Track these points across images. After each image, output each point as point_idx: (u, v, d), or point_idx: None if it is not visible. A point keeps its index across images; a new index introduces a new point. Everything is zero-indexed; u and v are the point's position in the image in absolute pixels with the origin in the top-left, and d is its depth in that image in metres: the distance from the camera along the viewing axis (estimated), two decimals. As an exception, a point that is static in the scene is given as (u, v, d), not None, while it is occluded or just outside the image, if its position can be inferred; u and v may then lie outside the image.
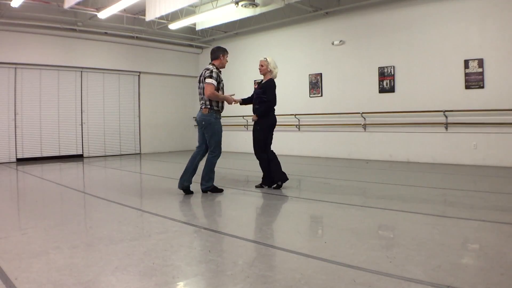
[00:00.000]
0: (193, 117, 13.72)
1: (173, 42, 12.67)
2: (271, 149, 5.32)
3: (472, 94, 7.59)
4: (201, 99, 4.81)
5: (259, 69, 5.31)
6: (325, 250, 2.74)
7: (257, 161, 5.31)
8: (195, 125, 13.68)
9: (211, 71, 4.73)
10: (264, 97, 5.14)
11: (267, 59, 5.29)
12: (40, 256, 2.64)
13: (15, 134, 9.90)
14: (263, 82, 5.34)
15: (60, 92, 10.65)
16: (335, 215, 3.87)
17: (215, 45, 12.82)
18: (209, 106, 4.74)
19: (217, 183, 5.13)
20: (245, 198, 4.70)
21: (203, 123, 4.77)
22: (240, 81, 11.74)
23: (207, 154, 4.91)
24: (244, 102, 5.41)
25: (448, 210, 4.02)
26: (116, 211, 4.15)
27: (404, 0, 8.51)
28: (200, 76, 4.82)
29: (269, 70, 5.26)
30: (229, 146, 12.73)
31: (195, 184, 4.97)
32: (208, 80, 4.69)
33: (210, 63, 4.89)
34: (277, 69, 5.32)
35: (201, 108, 4.80)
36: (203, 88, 4.73)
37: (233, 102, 5.01)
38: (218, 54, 4.90)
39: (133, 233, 3.25)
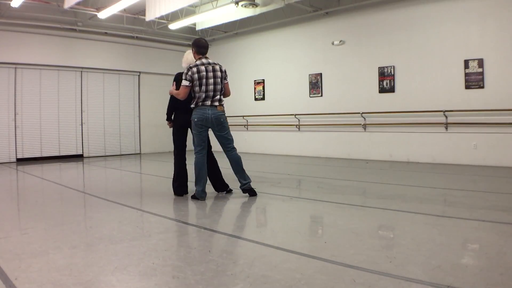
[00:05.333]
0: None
1: (173, 42, 12.67)
2: (211, 153, 4.92)
3: (472, 94, 7.59)
4: (215, 95, 4.47)
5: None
6: (325, 250, 2.74)
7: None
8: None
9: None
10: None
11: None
12: (40, 256, 2.64)
13: (15, 134, 9.90)
14: None
15: (60, 92, 10.65)
16: (335, 215, 3.87)
17: (215, 45, 12.98)
18: (222, 103, 4.61)
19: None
20: (245, 198, 4.70)
21: (222, 120, 4.56)
22: (240, 81, 11.74)
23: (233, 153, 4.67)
24: None
25: (448, 210, 4.02)
26: (116, 211, 4.14)
27: (404, 0, 8.51)
28: (214, 71, 4.46)
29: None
30: (229, 146, 12.74)
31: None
32: (227, 80, 4.63)
33: (208, 57, 4.57)
34: (185, 63, 4.81)
35: (212, 105, 4.45)
36: (222, 86, 4.55)
37: None
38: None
39: (133, 233, 3.25)
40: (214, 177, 4.95)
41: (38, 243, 2.94)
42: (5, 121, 9.74)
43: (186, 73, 4.40)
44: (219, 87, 4.51)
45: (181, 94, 4.45)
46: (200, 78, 4.38)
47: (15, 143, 9.90)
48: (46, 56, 10.26)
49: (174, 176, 4.95)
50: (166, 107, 5.07)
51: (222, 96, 4.59)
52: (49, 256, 2.63)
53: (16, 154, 9.90)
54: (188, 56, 4.87)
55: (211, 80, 4.44)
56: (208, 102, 4.45)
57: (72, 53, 10.73)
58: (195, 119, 4.47)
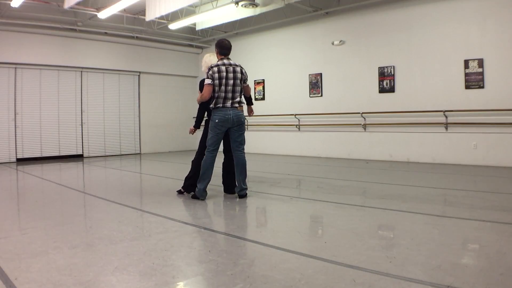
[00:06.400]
0: (193, 117, 13.70)
1: (173, 42, 12.68)
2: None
3: (472, 94, 7.59)
4: (235, 97, 4.49)
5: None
6: (325, 250, 2.74)
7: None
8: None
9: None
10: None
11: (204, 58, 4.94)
12: (40, 256, 2.64)
13: (15, 134, 9.90)
14: None
15: (60, 92, 10.65)
16: (335, 215, 3.87)
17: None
18: (242, 104, 4.62)
19: (216, 183, 5.13)
20: (245, 198, 4.70)
21: (242, 120, 4.55)
22: (240, 81, 11.73)
23: (238, 154, 4.64)
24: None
25: (448, 210, 4.02)
26: (116, 211, 4.15)
27: (404, 0, 8.51)
28: (234, 73, 4.49)
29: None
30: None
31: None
32: (246, 83, 4.69)
33: (230, 59, 4.61)
34: (204, 66, 4.86)
35: (233, 107, 4.46)
36: (241, 88, 4.58)
37: None
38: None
39: (133, 233, 3.25)
40: (230, 180, 4.89)
41: (38, 243, 2.94)
42: (5, 121, 9.74)
43: (207, 72, 4.44)
44: (238, 88, 4.52)
45: (205, 93, 4.43)
46: (220, 78, 4.40)
47: (15, 143, 9.90)
48: (46, 56, 10.25)
49: (189, 174, 4.90)
50: (196, 114, 4.96)
51: (241, 98, 4.61)
52: (49, 256, 2.63)
53: (16, 154, 9.90)
54: (206, 59, 4.92)
55: (231, 81, 4.45)
56: (229, 104, 4.46)
57: (72, 53, 10.73)
58: (216, 120, 4.46)
